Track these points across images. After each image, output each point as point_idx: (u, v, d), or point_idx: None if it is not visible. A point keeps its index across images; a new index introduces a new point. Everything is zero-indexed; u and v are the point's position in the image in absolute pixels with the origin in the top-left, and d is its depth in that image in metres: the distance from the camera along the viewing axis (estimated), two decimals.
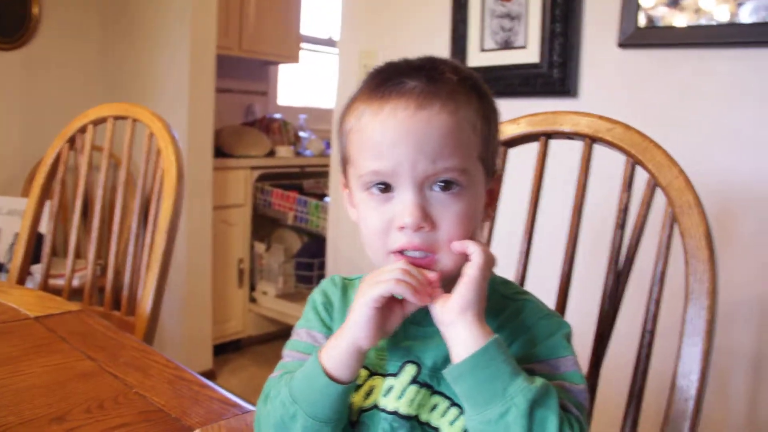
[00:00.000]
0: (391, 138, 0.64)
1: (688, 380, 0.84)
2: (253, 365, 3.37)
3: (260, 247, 3.60)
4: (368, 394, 0.70)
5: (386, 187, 0.66)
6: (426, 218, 0.64)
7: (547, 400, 0.59)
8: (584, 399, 0.65)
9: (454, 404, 0.67)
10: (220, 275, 3.32)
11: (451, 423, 0.67)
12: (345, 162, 0.72)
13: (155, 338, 1.43)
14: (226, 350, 3.44)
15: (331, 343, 0.65)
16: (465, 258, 0.66)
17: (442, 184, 0.65)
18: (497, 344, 0.61)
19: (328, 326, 0.75)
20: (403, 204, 0.65)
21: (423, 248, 0.65)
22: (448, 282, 0.65)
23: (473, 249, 0.64)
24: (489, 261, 0.64)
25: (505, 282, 0.75)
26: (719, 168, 1.46)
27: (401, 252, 0.65)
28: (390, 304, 0.65)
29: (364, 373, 0.71)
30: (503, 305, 0.71)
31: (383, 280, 0.63)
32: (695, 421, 0.84)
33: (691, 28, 1.52)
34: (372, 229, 0.67)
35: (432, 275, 0.65)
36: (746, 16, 1.43)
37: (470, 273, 0.63)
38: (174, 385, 0.91)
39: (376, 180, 0.66)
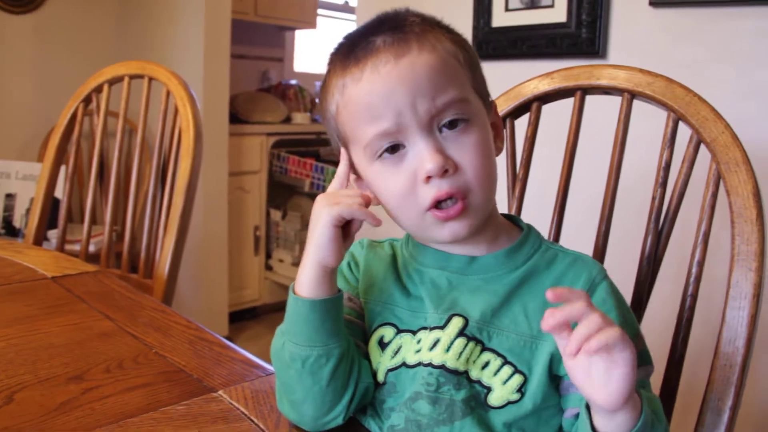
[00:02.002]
0: (383, 94, 0.62)
1: (733, 347, 0.80)
2: (269, 333, 3.31)
3: (276, 214, 3.57)
4: (396, 352, 0.68)
5: (395, 148, 0.64)
6: (447, 159, 0.62)
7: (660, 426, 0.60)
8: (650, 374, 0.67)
9: (507, 362, 0.65)
10: (236, 243, 3.30)
11: (504, 382, 0.65)
12: (346, 146, 0.69)
13: (171, 305, 1.41)
14: (242, 318, 3.44)
15: (301, 269, 0.66)
16: (492, 194, 0.66)
17: (449, 123, 0.63)
18: (647, 417, 0.56)
19: (353, 285, 0.74)
20: (420, 153, 0.62)
21: (453, 192, 0.62)
22: (479, 223, 0.65)
23: (614, 337, 0.51)
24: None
25: (549, 241, 0.74)
26: (754, 129, 1.40)
27: (437, 206, 0.63)
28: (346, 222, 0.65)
29: (391, 331, 0.69)
30: (554, 257, 0.70)
31: (343, 202, 0.63)
32: (739, 390, 0.80)
33: None
34: (397, 194, 0.64)
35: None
36: None
37: (626, 360, 0.52)
38: (195, 346, 0.88)
39: (383, 144, 0.64)
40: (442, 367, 0.65)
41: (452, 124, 0.63)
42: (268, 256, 3.60)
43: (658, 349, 0.96)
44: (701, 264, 0.86)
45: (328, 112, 0.68)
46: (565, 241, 0.99)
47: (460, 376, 0.65)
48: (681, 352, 0.87)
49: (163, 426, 0.67)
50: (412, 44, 0.63)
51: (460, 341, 0.65)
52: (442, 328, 0.66)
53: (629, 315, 0.69)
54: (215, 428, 0.67)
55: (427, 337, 0.67)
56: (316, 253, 0.64)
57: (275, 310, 3.61)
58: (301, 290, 0.65)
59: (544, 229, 0.99)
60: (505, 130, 0.98)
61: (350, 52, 0.64)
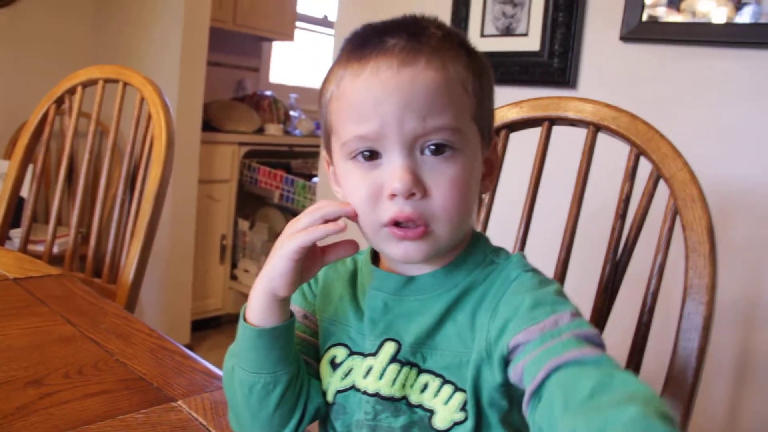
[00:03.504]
0: (374, 98, 0.59)
1: (683, 377, 0.83)
2: (232, 343, 3.34)
3: (244, 224, 3.56)
4: (347, 374, 0.67)
5: (372, 155, 0.61)
6: (417, 183, 0.59)
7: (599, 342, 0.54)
8: (600, 339, 0.56)
9: (447, 381, 0.62)
10: (202, 251, 3.28)
11: (446, 402, 0.62)
12: (328, 135, 0.67)
13: (135, 312, 1.40)
14: (205, 327, 3.41)
15: (251, 294, 0.64)
16: (460, 230, 0.63)
17: (434, 147, 0.60)
18: None
19: (310, 302, 0.73)
20: (392, 168, 0.59)
21: (414, 218, 0.59)
22: (441, 255, 0.63)
23: None
24: None
25: (496, 250, 0.69)
26: (713, 167, 1.45)
27: (396, 224, 0.60)
28: (311, 252, 0.63)
29: (343, 352, 0.68)
30: (494, 269, 0.65)
31: (301, 228, 0.60)
32: (687, 419, 0.82)
33: (692, 25, 1.51)
34: (360, 200, 0.62)
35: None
36: (743, 17, 1.42)
37: None
38: (156, 355, 0.89)
39: (361, 147, 0.61)
40: (376, 395, 0.64)
41: (438, 150, 0.60)
42: (234, 265, 3.58)
43: None
44: (655, 295, 0.89)
45: (324, 97, 0.66)
46: None
47: (398, 403, 0.63)
48: None
49: None
50: (421, 57, 0.59)
51: (393, 367, 0.63)
52: (374, 354, 0.65)
53: (547, 296, 0.60)
54: None
55: (361, 364, 0.66)
56: (267, 282, 0.62)
57: (238, 321, 3.58)
58: (250, 316, 0.64)
59: None
60: None
61: (360, 46, 0.61)
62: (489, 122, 0.67)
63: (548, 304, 0.58)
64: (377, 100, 0.59)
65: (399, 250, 0.62)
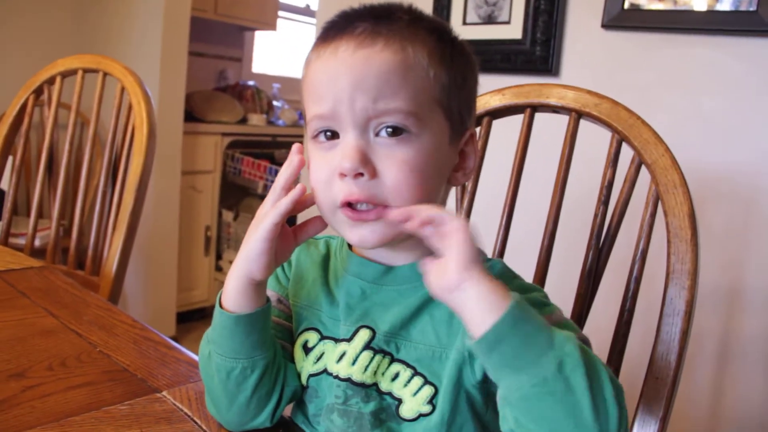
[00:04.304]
0: (330, 77, 0.60)
1: (666, 361, 0.83)
2: None
3: (228, 215, 3.54)
4: (318, 358, 0.68)
5: (333, 135, 0.61)
6: (366, 163, 0.58)
7: (587, 343, 0.57)
8: (586, 339, 0.60)
9: (417, 373, 0.64)
10: (187, 242, 3.27)
11: (414, 393, 0.63)
12: (305, 117, 0.67)
13: (118, 303, 1.39)
14: (190, 318, 3.40)
15: (228, 279, 0.64)
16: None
17: (390, 130, 0.59)
18: (519, 295, 0.53)
19: (284, 285, 0.74)
20: (343, 147, 0.59)
21: (362, 198, 0.59)
22: (392, 237, 0.61)
23: (432, 212, 0.55)
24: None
25: None
26: (694, 153, 1.46)
27: (349, 205, 0.60)
28: (283, 233, 0.63)
29: (314, 336, 0.69)
30: None
31: (267, 209, 0.62)
32: (669, 402, 0.83)
33: (674, 13, 1.52)
34: (317, 180, 0.62)
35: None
36: (724, 5, 1.43)
37: (457, 227, 0.53)
38: (140, 346, 0.88)
39: (320, 126, 0.62)
40: (348, 380, 0.65)
41: (395, 132, 0.59)
42: (219, 257, 3.57)
43: None
44: (638, 280, 0.90)
45: (301, 79, 0.66)
46: (509, 254, 1.02)
47: (369, 389, 0.64)
48: (617, 365, 0.90)
49: (105, 425, 0.67)
50: (380, 39, 0.59)
51: (366, 354, 0.64)
52: (348, 340, 0.66)
53: (534, 301, 0.61)
54: (158, 429, 0.67)
55: (334, 349, 0.67)
56: (244, 265, 0.62)
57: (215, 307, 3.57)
58: (227, 302, 0.64)
59: (490, 241, 1.01)
60: None
61: (329, 29, 0.63)
62: (463, 112, 0.66)
63: (535, 307, 0.59)
64: (332, 80, 0.60)
65: (354, 235, 0.62)
